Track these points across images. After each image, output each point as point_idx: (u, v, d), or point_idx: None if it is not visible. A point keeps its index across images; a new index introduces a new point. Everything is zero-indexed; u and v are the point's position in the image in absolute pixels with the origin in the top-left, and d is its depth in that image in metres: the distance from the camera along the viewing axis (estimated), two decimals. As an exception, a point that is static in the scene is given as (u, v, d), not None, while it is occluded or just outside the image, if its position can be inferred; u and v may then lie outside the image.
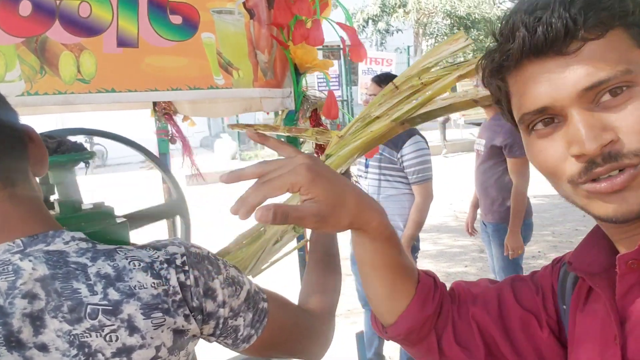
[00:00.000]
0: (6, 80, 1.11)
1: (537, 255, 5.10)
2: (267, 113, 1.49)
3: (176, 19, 1.26)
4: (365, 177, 2.94)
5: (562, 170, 0.59)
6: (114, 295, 0.67)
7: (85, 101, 1.17)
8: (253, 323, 0.81)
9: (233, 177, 0.66)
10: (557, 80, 0.56)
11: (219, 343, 0.83)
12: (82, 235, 0.74)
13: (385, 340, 3.17)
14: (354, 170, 3.10)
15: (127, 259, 0.71)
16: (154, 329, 0.69)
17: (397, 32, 15.35)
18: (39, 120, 1.57)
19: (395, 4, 14.89)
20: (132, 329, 0.67)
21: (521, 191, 2.95)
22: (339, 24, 1.26)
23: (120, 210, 1.34)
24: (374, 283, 0.80)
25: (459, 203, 7.24)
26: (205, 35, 1.27)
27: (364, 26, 15.00)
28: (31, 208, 0.74)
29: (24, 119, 0.85)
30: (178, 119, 1.98)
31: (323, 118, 1.38)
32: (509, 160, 2.97)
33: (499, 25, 0.61)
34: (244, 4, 1.30)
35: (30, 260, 0.66)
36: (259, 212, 0.60)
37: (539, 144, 0.60)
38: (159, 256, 0.73)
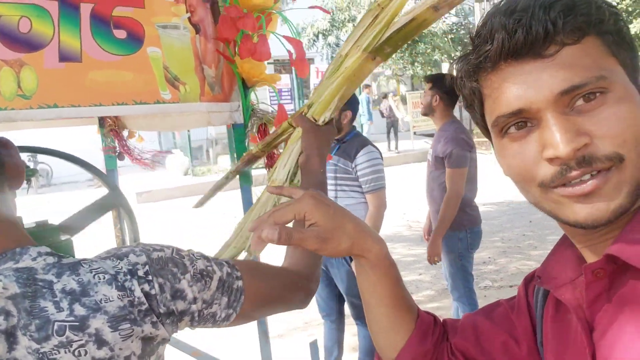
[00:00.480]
0: (-59, 96, 1.07)
1: (488, 261, 5.25)
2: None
3: (120, 34, 1.25)
4: None
5: (534, 174, 0.58)
6: (80, 310, 0.68)
7: (27, 117, 1.15)
8: (230, 304, 0.83)
9: (257, 224, 0.72)
10: (533, 83, 0.56)
11: (200, 327, 0.85)
12: (48, 250, 0.75)
13: (343, 352, 3.19)
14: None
15: (91, 273, 0.71)
16: (123, 340, 0.70)
17: (347, 46, 15.59)
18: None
19: (345, 19, 15.15)
20: (101, 342, 0.68)
21: (452, 200, 3.03)
22: (285, 37, 1.28)
23: (61, 218, 1.31)
24: (374, 313, 0.82)
25: (413, 213, 7.37)
26: (151, 50, 1.27)
27: (314, 40, 15.19)
28: (3, 224, 0.75)
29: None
30: (126, 134, 1.95)
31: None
32: (447, 170, 3.07)
33: (476, 27, 0.61)
34: (189, 19, 1.31)
35: (0, 280, 0.67)
36: (266, 231, 0.66)
37: (512, 147, 0.60)
38: (122, 267, 0.74)
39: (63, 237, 1.02)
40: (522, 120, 0.59)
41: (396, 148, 13.11)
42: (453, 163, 3.01)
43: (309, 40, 14.71)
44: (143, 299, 0.72)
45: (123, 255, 0.75)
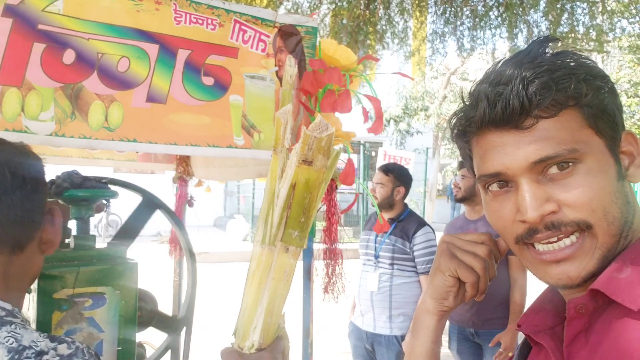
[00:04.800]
0: (39, 119, 1.15)
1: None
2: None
3: (208, 80, 1.31)
4: (375, 268, 2.90)
5: (510, 231, 0.65)
6: None
7: (108, 147, 1.20)
8: None
9: None
10: (510, 152, 0.62)
11: None
12: None
13: None
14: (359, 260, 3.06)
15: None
16: None
17: (417, 133, 15.81)
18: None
19: (417, 107, 15.47)
20: None
21: (524, 287, 2.81)
22: (366, 95, 1.31)
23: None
24: None
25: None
26: (234, 98, 1.32)
27: (385, 125, 15.51)
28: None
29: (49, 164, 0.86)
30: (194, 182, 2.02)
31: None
32: (512, 257, 2.81)
33: (468, 90, 0.67)
34: (276, 72, 1.36)
35: None
36: None
37: (493, 204, 0.66)
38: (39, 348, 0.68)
39: (130, 261, 1.06)
40: (503, 180, 0.64)
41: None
42: None
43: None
44: None
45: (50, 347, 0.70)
